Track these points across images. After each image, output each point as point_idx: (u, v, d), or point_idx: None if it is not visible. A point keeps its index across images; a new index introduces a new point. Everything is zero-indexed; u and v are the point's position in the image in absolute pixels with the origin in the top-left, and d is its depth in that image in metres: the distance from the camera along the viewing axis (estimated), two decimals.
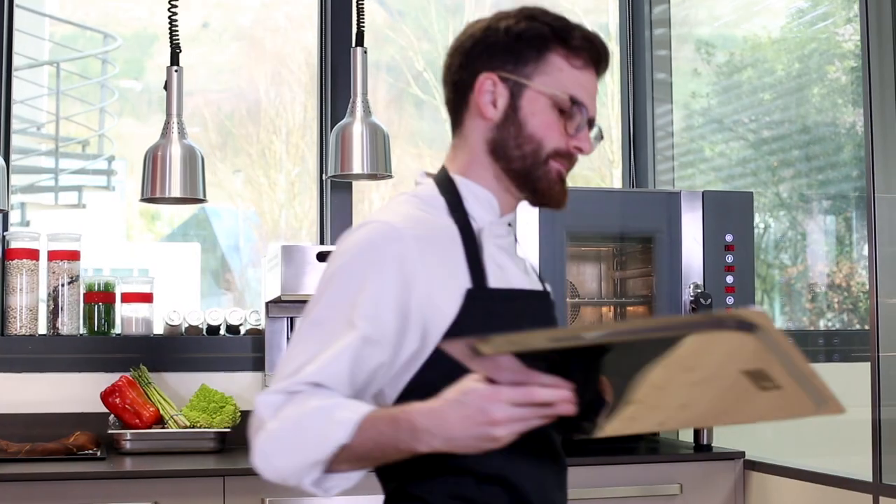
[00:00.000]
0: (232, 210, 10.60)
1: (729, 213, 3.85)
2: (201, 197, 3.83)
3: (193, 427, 3.85)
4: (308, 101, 9.08)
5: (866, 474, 3.35)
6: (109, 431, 3.82)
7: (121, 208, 10.70)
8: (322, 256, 3.74)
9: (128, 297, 4.11)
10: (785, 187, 6.86)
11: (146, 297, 4.12)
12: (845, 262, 6.17)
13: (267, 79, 9.93)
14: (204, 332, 4.17)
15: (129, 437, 3.78)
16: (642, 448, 3.96)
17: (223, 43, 11.10)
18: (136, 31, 11.13)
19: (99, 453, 3.68)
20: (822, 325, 6.29)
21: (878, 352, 3.35)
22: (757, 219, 7.28)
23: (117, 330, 4.12)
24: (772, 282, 7.23)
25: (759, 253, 7.30)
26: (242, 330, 4.20)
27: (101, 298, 4.08)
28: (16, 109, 7.56)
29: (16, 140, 8.04)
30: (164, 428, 3.85)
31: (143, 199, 3.84)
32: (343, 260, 1.86)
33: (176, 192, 3.77)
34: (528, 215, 3.67)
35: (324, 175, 4.23)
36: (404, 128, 9.57)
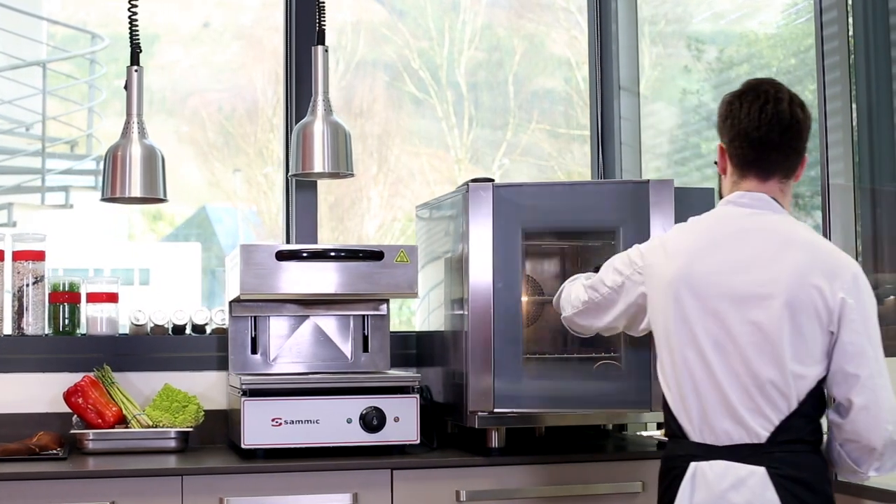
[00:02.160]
0: (232, 210, 10.63)
1: (692, 208, 3.80)
2: (161, 196, 3.84)
3: (156, 426, 3.85)
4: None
5: None
6: (72, 431, 3.82)
7: (122, 209, 10.75)
8: (282, 255, 3.74)
9: (93, 297, 4.12)
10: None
11: (111, 297, 4.12)
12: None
13: (264, 77, 9.96)
14: (169, 332, 4.18)
15: (91, 437, 3.79)
16: (609, 446, 3.95)
17: (224, 43, 11.13)
18: None
19: (61, 453, 3.68)
20: None
21: None
22: None
23: (82, 330, 4.13)
24: None
25: None
26: (208, 329, 4.20)
27: (66, 298, 4.09)
28: (4, 110, 7.62)
29: (4, 140, 8.10)
30: (126, 428, 3.86)
31: (104, 199, 3.85)
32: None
33: (136, 192, 3.78)
34: (482, 210, 3.66)
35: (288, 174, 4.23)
36: (402, 126, 9.57)
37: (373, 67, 9.53)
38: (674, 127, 7.15)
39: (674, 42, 6.94)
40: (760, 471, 2.59)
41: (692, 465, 2.64)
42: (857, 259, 3.41)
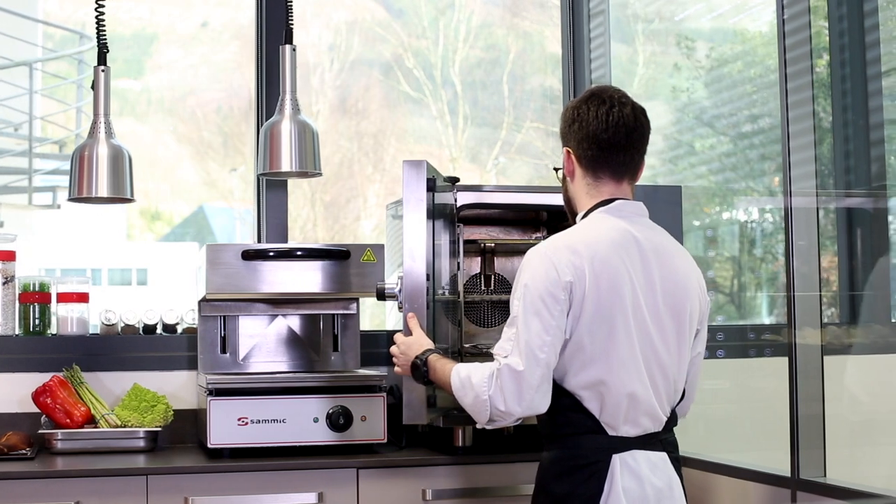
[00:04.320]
0: (228, 210, 10.63)
1: (657, 207, 3.79)
2: (128, 196, 3.84)
3: (125, 426, 3.86)
4: (299, 99, 9.10)
5: (785, 469, 3.32)
6: (40, 431, 3.83)
7: (120, 209, 10.76)
8: (248, 255, 3.74)
9: (63, 297, 4.12)
10: (768, 181, 6.81)
11: (82, 297, 4.12)
12: (825, 256, 6.11)
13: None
14: (140, 332, 4.18)
15: (59, 437, 3.79)
16: None
17: (222, 42, 11.12)
18: (135, 31, 11.16)
19: (29, 453, 3.69)
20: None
21: (795, 347, 3.32)
22: (754, 213, 7.25)
23: (53, 330, 4.13)
24: (766, 275, 7.20)
25: (750, 247, 7.27)
26: (179, 329, 4.20)
27: (36, 299, 4.09)
28: None
29: None
30: (95, 427, 3.86)
31: (71, 199, 3.85)
32: None
33: (103, 191, 3.79)
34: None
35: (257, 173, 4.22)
36: (397, 126, 9.56)
37: (368, 66, 9.52)
38: (668, 124, 7.13)
39: (668, 40, 6.92)
40: (665, 455, 2.85)
41: (615, 457, 2.78)
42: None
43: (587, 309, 2.74)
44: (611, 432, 2.78)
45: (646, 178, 6.13)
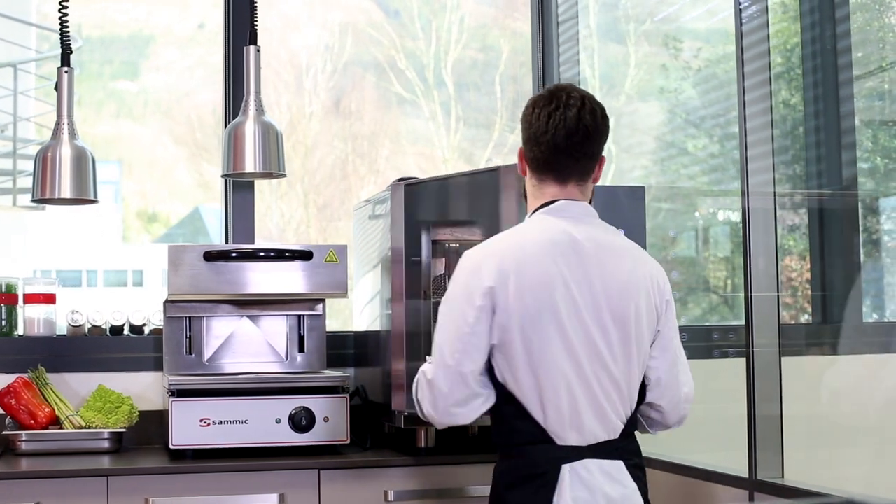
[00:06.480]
0: (221, 211, 10.63)
1: (620, 207, 3.79)
2: (91, 198, 3.84)
3: (89, 427, 3.86)
4: (293, 100, 9.09)
5: (743, 470, 3.31)
6: (4, 433, 3.83)
7: (116, 210, 10.76)
8: (210, 256, 3.74)
9: (30, 299, 4.12)
10: (757, 181, 6.79)
11: (49, 298, 4.13)
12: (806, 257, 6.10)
13: None
14: (107, 333, 4.18)
15: (24, 438, 3.80)
16: None
17: (220, 43, 11.12)
18: (132, 32, 11.17)
19: None
20: (802, 320, 6.23)
21: (753, 347, 3.31)
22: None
23: (20, 331, 4.13)
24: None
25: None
26: (146, 330, 4.20)
27: (2, 300, 4.09)
28: None
29: None
30: (60, 429, 3.86)
31: (34, 200, 3.86)
32: None
33: (66, 192, 3.79)
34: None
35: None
36: (390, 127, 9.54)
37: (362, 68, 9.51)
38: (660, 124, 7.12)
39: (659, 41, 6.90)
40: (620, 464, 2.75)
41: (564, 467, 2.70)
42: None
43: (514, 313, 2.69)
44: (559, 442, 2.71)
45: (639, 178, 6.11)
